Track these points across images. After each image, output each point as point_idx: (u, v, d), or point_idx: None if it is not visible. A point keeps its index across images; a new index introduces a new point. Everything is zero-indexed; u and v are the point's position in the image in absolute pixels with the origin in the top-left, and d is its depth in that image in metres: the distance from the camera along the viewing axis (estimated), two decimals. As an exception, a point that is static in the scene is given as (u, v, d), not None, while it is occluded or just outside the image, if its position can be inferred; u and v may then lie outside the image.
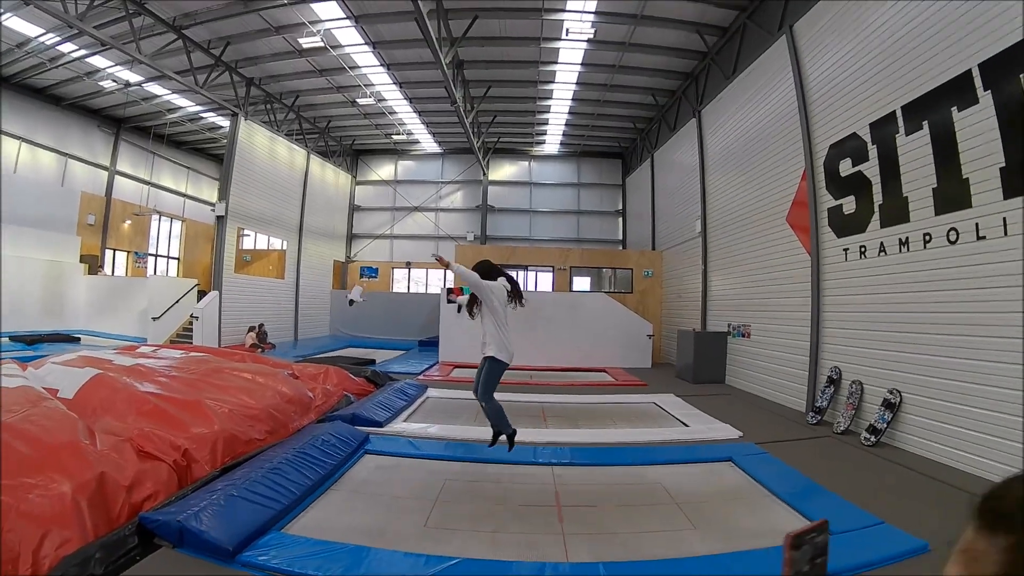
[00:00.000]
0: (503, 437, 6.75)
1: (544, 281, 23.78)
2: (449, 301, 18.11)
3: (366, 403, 10.23)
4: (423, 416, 10.54)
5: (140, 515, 5.03)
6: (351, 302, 21.80)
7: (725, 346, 15.25)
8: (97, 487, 5.02)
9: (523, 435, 8.89)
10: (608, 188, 29.93)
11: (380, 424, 9.35)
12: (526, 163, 30.48)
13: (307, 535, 5.24)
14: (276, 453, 6.88)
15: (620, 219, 29.60)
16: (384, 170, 31.56)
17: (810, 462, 7.62)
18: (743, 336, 14.42)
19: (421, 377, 14.59)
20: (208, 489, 5.64)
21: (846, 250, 10.30)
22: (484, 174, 29.70)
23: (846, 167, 10.27)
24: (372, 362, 16.87)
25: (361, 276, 30.89)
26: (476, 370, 6.47)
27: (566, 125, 25.78)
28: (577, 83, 20.72)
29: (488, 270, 6.74)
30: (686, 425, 10.10)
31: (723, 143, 16.10)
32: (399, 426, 9.48)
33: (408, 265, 30.91)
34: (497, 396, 11.99)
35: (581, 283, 23.35)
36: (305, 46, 17.88)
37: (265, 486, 5.80)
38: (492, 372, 6.32)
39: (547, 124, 25.82)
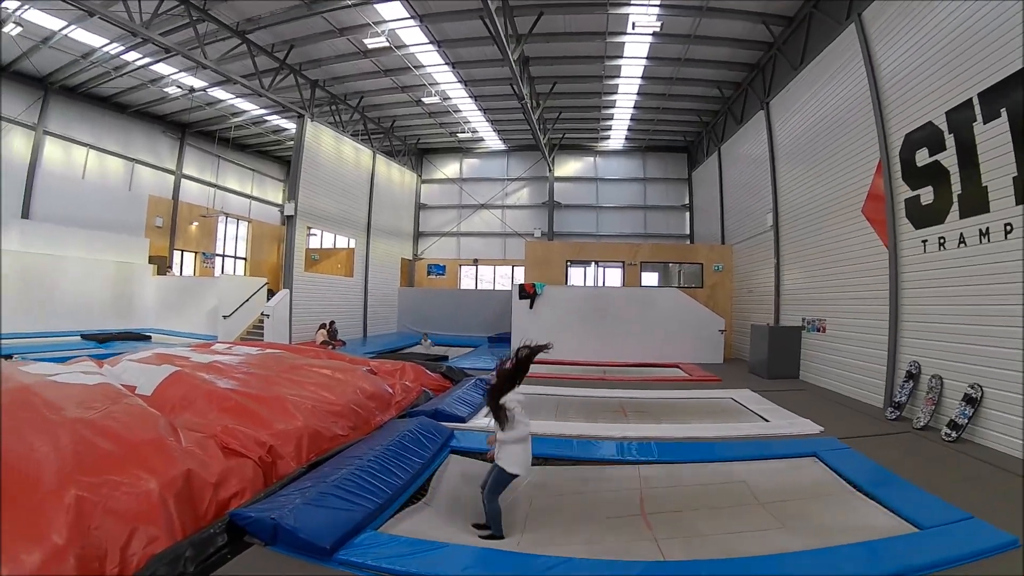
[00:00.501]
0: (487, 531, 5.94)
1: (612, 277, 23.81)
2: (521, 297, 18.34)
3: (446, 399, 10.21)
4: (503, 413, 10.55)
5: (231, 512, 5.03)
6: (425, 337, 22.07)
7: (799, 341, 14.98)
8: (184, 484, 5.04)
9: (606, 430, 8.97)
10: (674, 182, 29.64)
11: (463, 420, 9.33)
12: (591, 159, 30.41)
13: (402, 534, 5.19)
14: (363, 450, 6.79)
15: (687, 213, 29.29)
16: (449, 168, 31.91)
17: (892, 458, 7.52)
18: (818, 331, 14.16)
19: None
20: (297, 486, 5.63)
21: (924, 242, 10.04)
22: (550, 170, 29.73)
23: (923, 157, 9.99)
24: (445, 358, 17.15)
25: (429, 274, 31.41)
26: (490, 467, 5.87)
27: (631, 120, 25.60)
28: (642, 77, 20.57)
29: (511, 378, 5.91)
30: (766, 420, 10.00)
31: (793, 135, 15.82)
32: (481, 422, 9.33)
33: (475, 262, 31.21)
34: (574, 392, 12.10)
35: (648, 278, 23.23)
36: (370, 47, 18.18)
37: (357, 484, 5.75)
38: (502, 481, 5.76)
39: (612, 119, 25.68)
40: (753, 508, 6.25)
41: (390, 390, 10.02)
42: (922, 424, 9.32)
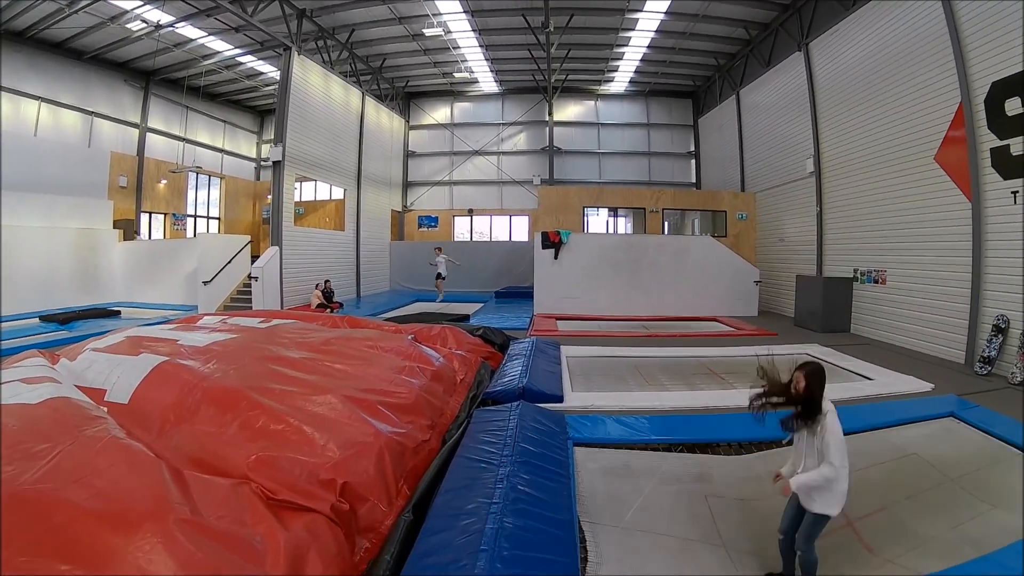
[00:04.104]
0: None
1: (621, 224, 22.95)
2: (545, 246, 17.31)
3: (518, 371, 8.21)
4: (585, 383, 8.89)
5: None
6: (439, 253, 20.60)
7: (851, 292, 14.42)
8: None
9: (721, 398, 7.89)
10: (679, 128, 28.66)
11: (561, 399, 7.53)
12: (592, 103, 29.07)
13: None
14: (475, 468, 4.79)
15: (693, 161, 28.43)
16: (439, 113, 30.18)
17: (1016, 414, 6.96)
18: (875, 282, 13.66)
19: (530, 333, 13.07)
20: (434, 553, 3.64)
21: (1015, 192, 9.69)
22: (550, 114, 28.12)
23: (1014, 106, 9.59)
24: (466, 317, 15.91)
25: (420, 226, 29.97)
26: (787, 507, 4.35)
27: (641, 61, 24.23)
28: (667, 12, 19.14)
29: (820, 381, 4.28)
30: (870, 379, 9.33)
31: (842, 79, 15.17)
32: (580, 398, 7.74)
33: (470, 212, 29.68)
34: (642, 352, 11.21)
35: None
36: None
37: (525, 531, 3.90)
38: (820, 524, 4.13)
39: (621, 59, 24.24)
40: (949, 487, 5.52)
41: (451, 365, 8.07)
42: (1020, 379, 9.13)
